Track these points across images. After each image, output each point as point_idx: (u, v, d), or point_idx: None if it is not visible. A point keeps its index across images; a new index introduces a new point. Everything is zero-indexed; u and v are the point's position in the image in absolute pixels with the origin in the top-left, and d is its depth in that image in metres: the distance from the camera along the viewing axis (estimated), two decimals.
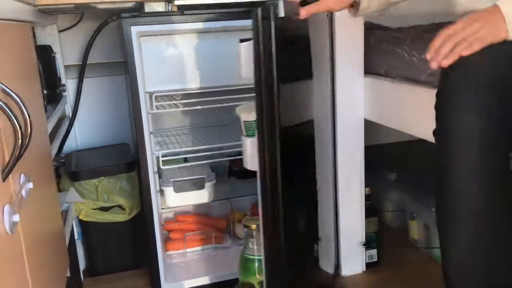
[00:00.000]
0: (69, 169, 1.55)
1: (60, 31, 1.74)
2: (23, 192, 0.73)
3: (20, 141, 0.62)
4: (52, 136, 1.37)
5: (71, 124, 1.78)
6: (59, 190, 1.56)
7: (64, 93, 1.73)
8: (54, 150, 1.31)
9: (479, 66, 0.72)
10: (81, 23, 1.76)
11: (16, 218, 0.62)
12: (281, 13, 0.95)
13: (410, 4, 1.21)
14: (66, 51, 1.77)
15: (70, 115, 1.78)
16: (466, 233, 0.75)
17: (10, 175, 0.66)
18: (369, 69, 1.43)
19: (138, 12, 1.27)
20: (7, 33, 0.81)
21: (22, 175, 0.74)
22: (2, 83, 0.67)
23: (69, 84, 1.79)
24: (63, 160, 1.67)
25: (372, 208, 1.58)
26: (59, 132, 1.56)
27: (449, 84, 0.75)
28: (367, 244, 1.55)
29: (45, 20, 1.45)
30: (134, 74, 1.27)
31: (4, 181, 0.62)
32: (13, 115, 0.61)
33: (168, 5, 1.28)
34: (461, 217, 0.75)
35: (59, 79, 1.67)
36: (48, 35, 1.70)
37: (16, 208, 0.64)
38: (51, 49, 1.62)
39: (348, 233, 1.52)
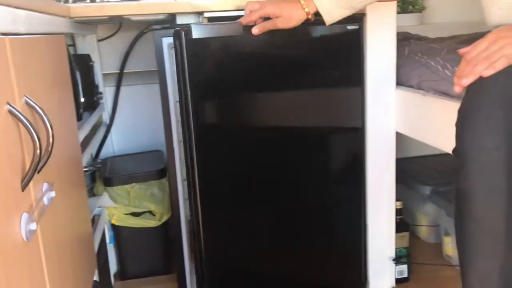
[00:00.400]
0: (103, 175, 1.60)
1: (99, 40, 1.81)
2: (45, 200, 0.76)
3: (38, 151, 0.65)
4: (87, 142, 1.42)
5: (108, 131, 1.83)
6: (93, 195, 1.61)
7: (102, 101, 1.79)
8: (87, 156, 1.35)
9: (496, 84, 0.69)
10: (120, 33, 1.82)
11: (33, 226, 0.65)
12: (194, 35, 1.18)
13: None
14: (105, 59, 1.84)
15: (108, 122, 1.84)
16: (484, 260, 0.72)
17: (30, 184, 0.69)
18: (401, 81, 1.40)
19: (169, 24, 1.30)
20: (40, 46, 0.84)
21: (45, 184, 0.77)
22: (26, 96, 0.70)
23: (107, 92, 1.86)
24: (99, 166, 1.72)
25: (403, 223, 1.54)
26: (96, 138, 1.61)
27: (466, 102, 0.72)
28: (397, 260, 1.51)
29: (82, 30, 1.51)
30: (164, 83, 1.30)
31: (23, 190, 0.65)
32: (33, 128, 0.64)
33: (198, 17, 1.30)
34: (480, 242, 0.72)
35: (97, 87, 1.73)
36: (88, 45, 1.77)
37: (34, 216, 0.67)
38: (89, 58, 1.67)
39: (377, 248, 1.49)
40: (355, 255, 1.47)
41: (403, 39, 1.62)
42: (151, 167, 1.62)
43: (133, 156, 1.80)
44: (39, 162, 0.66)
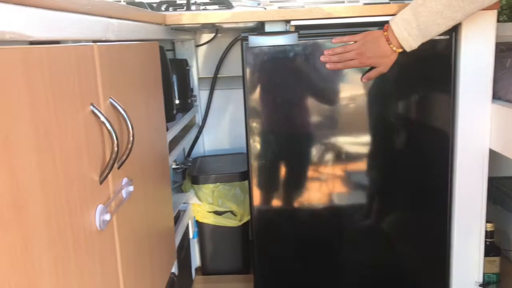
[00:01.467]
0: (191, 173, 1.69)
1: (197, 46, 1.91)
2: (124, 194, 0.83)
3: (116, 149, 0.71)
4: (178, 141, 1.51)
5: (200, 132, 1.93)
6: (181, 191, 1.70)
7: (196, 103, 1.89)
8: (179, 154, 1.43)
9: None
10: (217, 39, 1.90)
11: (107, 217, 0.71)
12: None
13: None
14: (201, 64, 1.93)
15: (200, 123, 1.93)
16: None
17: (110, 178, 0.76)
18: (498, 94, 1.31)
19: (259, 31, 1.34)
20: (129, 52, 0.92)
21: (125, 179, 0.84)
22: (111, 98, 0.78)
23: (202, 95, 1.95)
24: (189, 164, 1.82)
25: (494, 246, 1.44)
26: (188, 138, 1.70)
27: None
28: (485, 286, 1.41)
29: (181, 36, 1.60)
30: (246, 86, 1.34)
31: (101, 184, 0.72)
32: (112, 127, 0.70)
33: (286, 25, 1.33)
34: None
35: (191, 90, 1.83)
36: (186, 50, 1.87)
37: (109, 208, 0.73)
38: (186, 62, 1.77)
39: (462, 271, 1.40)
40: (438, 277, 1.40)
41: (507, 50, 1.51)
42: (235, 168, 1.68)
43: (221, 157, 1.88)
44: (116, 158, 0.72)
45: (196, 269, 1.74)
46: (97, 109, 0.70)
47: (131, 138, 0.80)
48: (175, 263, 1.35)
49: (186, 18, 1.28)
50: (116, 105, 0.78)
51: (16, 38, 0.50)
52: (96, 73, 0.72)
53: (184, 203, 1.58)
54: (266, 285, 1.45)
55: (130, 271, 0.86)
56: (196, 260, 1.75)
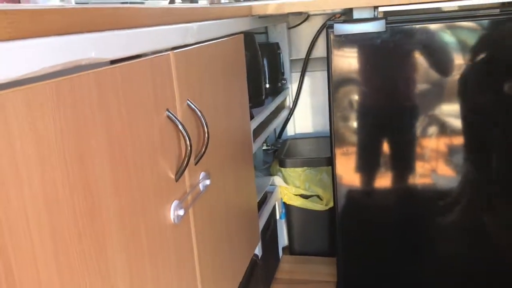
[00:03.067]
0: (279, 156, 1.73)
1: (289, 28, 1.91)
2: (201, 187, 0.89)
3: (189, 149, 0.77)
4: (267, 124, 1.55)
5: (290, 114, 1.95)
6: (269, 173, 1.76)
7: (287, 86, 1.91)
8: (262, 138, 1.47)
9: None
10: (310, 20, 1.89)
11: (181, 212, 0.78)
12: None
13: None
14: (294, 46, 1.94)
15: (291, 106, 1.96)
16: None
17: (186, 174, 0.82)
18: None
19: (345, 19, 1.32)
20: (207, 53, 0.97)
21: (202, 173, 0.90)
22: (188, 100, 0.83)
23: (294, 77, 1.96)
24: (279, 146, 1.86)
25: None
26: (278, 120, 1.73)
27: None
28: None
29: (269, 23, 1.62)
30: (331, 73, 1.33)
31: (177, 181, 0.78)
32: (185, 130, 0.76)
33: (374, 10, 1.29)
34: None
35: (282, 73, 1.85)
36: (278, 33, 1.89)
37: (184, 203, 0.80)
38: (277, 46, 1.79)
39: None
40: None
41: None
42: (323, 153, 1.69)
43: (310, 140, 1.89)
44: (189, 158, 0.78)
45: (284, 248, 1.80)
46: (172, 114, 0.75)
47: (206, 136, 0.86)
48: (259, 245, 1.41)
49: (272, 8, 1.30)
50: (193, 106, 0.84)
51: (92, 63, 0.57)
52: (172, 80, 0.78)
53: (271, 185, 1.63)
54: (348, 269, 1.46)
55: (207, 258, 0.93)
56: (283, 240, 1.81)
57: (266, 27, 1.89)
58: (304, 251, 1.76)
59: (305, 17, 1.88)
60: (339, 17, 1.78)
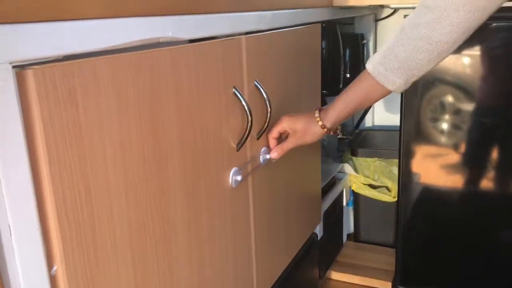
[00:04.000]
0: (352, 145, 1.78)
1: (376, 20, 1.94)
2: (261, 160, 0.99)
3: (249, 124, 0.87)
4: None
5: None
6: (341, 161, 1.81)
7: None
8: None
9: None
10: (398, 13, 1.90)
11: (239, 177, 0.88)
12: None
13: None
14: (380, 38, 1.96)
15: None
16: None
17: (247, 147, 0.93)
18: None
19: None
20: (286, 39, 1.06)
21: (264, 148, 1.00)
22: (256, 80, 0.93)
23: None
24: (354, 135, 1.91)
25: None
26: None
27: None
28: None
29: (352, 14, 1.67)
30: None
31: (237, 151, 0.89)
32: (247, 107, 0.86)
33: None
34: None
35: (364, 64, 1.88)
36: (365, 24, 1.92)
37: (243, 170, 0.90)
38: (362, 37, 1.83)
39: None
40: None
41: None
42: (394, 145, 1.71)
43: (386, 132, 1.91)
44: (249, 133, 0.88)
45: (349, 235, 1.85)
46: (238, 91, 0.86)
47: (269, 114, 0.95)
48: (321, 225, 1.49)
49: (352, 0, 1.35)
50: (259, 86, 0.93)
51: (170, 40, 0.68)
52: (242, 61, 0.88)
53: (340, 172, 1.69)
54: (406, 261, 1.49)
55: (262, 227, 1.03)
56: (349, 227, 1.86)
57: (353, 18, 1.94)
58: (369, 240, 1.80)
59: (393, 10, 1.90)
60: None
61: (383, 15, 1.94)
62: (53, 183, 0.51)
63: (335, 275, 1.61)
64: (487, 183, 1.35)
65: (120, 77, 0.59)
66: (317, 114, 0.95)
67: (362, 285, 1.57)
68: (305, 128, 0.96)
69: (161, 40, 0.67)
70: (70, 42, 0.52)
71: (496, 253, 1.38)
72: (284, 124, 0.97)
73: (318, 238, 1.46)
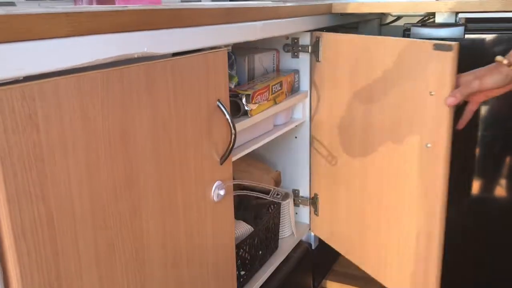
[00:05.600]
0: None
1: (381, 25, 1.90)
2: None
3: (233, 137, 0.85)
4: None
5: None
6: None
7: None
8: None
9: None
10: (403, 19, 1.86)
11: (222, 192, 0.87)
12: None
13: None
14: None
15: None
16: None
17: (230, 160, 0.91)
18: None
19: (423, 22, 1.30)
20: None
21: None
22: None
23: None
24: None
25: None
26: None
27: None
28: None
29: (351, 19, 1.64)
30: None
31: (221, 164, 0.87)
32: (230, 119, 0.84)
33: (456, 16, 1.26)
34: None
35: None
36: (368, 30, 1.89)
37: (226, 185, 0.89)
38: None
39: None
40: None
41: None
42: None
43: None
44: (233, 145, 0.86)
45: None
46: (222, 105, 0.84)
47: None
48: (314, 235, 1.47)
49: (351, 7, 1.32)
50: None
51: (145, 56, 0.67)
52: (227, 74, 0.86)
53: None
54: None
55: None
56: None
57: (357, 23, 1.90)
58: None
59: (396, 17, 1.86)
60: (427, 20, 1.74)
61: (388, 20, 1.90)
62: (10, 208, 0.50)
63: (331, 285, 1.59)
64: (484, 189, 1.31)
65: (86, 96, 0.58)
66: (499, 58, 0.87)
67: None
68: (488, 70, 0.89)
69: (136, 56, 0.66)
70: (30, 62, 0.51)
71: (496, 254, 1.34)
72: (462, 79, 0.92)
73: (313, 248, 1.44)
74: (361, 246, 1.25)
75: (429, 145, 0.98)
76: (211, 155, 0.85)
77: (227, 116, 0.85)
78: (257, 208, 1.23)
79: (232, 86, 1.04)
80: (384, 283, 1.22)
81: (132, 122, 0.65)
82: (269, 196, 0.92)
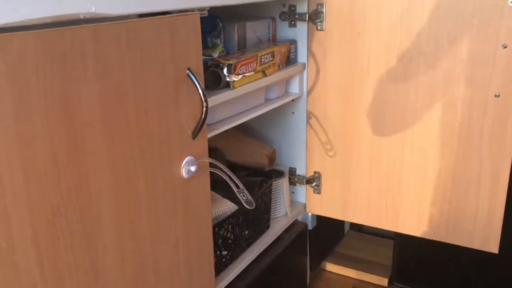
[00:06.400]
0: None
1: None
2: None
3: (204, 110, 0.79)
4: None
5: None
6: None
7: None
8: None
9: None
10: None
11: (193, 168, 0.81)
12: None
13: None
14: None
15: None
16: None
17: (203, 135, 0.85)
18: None
19: None
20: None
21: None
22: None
23: None
24: None
25: None
26: None
27: None
28: None
29: None
30: None
31: (194, 139, 0.82)
32: (202, 90, 0.78)
33: None
34: None
35: None
36: None
37: (198, 161, 0.83)
38: None
39: None
40: None
41: None
42: None
43: None
44: (205, 119, 0.80)
45: (353, 224, 1.76)
46: (192, 73, 0.78)
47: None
48: (311, 216, 1.40)
49: None
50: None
51: (93, 17, 0.61)
52: (199, 40, 0.80)
53: None
54: (403, 258, 1.40)
55: None
56: None
57: None
58: (374, 230, 1.70)
59: None
60: None
61: None
62: None
63: (330, 267, 1.53)
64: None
65: (16, 61, 0.52)
66: None
67: (357, 279, 1.48)
68: None
69: (81, 17, 0.60)
70: None
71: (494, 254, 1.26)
72: None
73: (310, 228, 1.37)
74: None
75: (498, 94, 1.00)
76: (181, 129, 0.79)
77: (198, 87, 0.78)
78: (246, 186, 1.17)
79: (215, 56, 0.98)
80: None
81: (76, 90, 0.60)
82: (236, 192, 0.86)
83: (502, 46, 0.99)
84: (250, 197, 0.85)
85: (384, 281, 1.45)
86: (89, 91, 0.61)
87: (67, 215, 0.61)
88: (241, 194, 0.85)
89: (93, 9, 0.61)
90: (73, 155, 0.61)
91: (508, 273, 1.27)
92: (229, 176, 0.84)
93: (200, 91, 0.78)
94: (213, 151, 1.16)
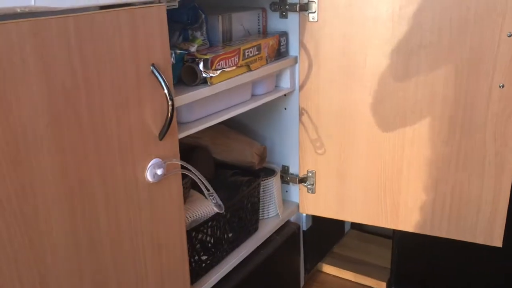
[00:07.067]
0: None
1: None
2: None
3: (170, 108, 0.74)
4: None
5: None
6: None
7: None
8: None
9: None
10: None
11: (159, 171, 0.76)
12: None
13: None
14: None
15: None
16: None
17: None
18: None
19: None
20: None
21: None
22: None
23: None
24: None
25: None
26: None
27: None
28: None
29: None
30: None
31: (161, 140, 0.76)
32: (167, 88, 0.73)
33: None
34: None
35: None
36: None
37: (167, 164, 0.78)
38: None
39: None
40: None
41: None
42: None
43: None
44: (171, 119, 0.75)
45: (354, 224, 1.70)
46: (157, 70, 0.72)
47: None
48: (304, 216, 1.34)
49: None
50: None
51: (33, 11, 0.56)
52: (164, 34, 0.74)
53: None
54: (402, 261, 1.33)
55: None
56: None
57: None
58: (375, 230, 1.63)
59: None
60: None
61: None
62: None
63: (327, 268, 1.47)
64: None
65: None
66: None
67: (353, 282, 1.42)
68: None
69: (19, 11, 0.55)
70: None
71: (493, 254, 1.19)
72: None
73: (305, 229, 1.31)
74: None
75: (502, 85, 0.95)
76: (144, 130, 0.74)
77: (163, 84, 0.73)
78: (233, 187, 1.11)
79: (193, 49, 0.92)
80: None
81: (15, 91, 0.55)
82: (206, 195, 0.81)
83: (507, 34, 0.92)
84: (219, 201, 0.80)
85: (382, 285, 1.39)
86: (31, 92, 0.56)
87: (9, 224, 0.57)
88: (210, 197, 0.79)
89: (32, 2, 0.56)
90: (13, 161, 0.56)
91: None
92: (199, 179, 0.78)
93: (165, 89, 0.73)
94: (198, 150, 1.11)
